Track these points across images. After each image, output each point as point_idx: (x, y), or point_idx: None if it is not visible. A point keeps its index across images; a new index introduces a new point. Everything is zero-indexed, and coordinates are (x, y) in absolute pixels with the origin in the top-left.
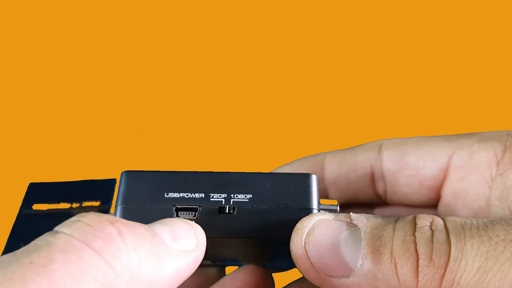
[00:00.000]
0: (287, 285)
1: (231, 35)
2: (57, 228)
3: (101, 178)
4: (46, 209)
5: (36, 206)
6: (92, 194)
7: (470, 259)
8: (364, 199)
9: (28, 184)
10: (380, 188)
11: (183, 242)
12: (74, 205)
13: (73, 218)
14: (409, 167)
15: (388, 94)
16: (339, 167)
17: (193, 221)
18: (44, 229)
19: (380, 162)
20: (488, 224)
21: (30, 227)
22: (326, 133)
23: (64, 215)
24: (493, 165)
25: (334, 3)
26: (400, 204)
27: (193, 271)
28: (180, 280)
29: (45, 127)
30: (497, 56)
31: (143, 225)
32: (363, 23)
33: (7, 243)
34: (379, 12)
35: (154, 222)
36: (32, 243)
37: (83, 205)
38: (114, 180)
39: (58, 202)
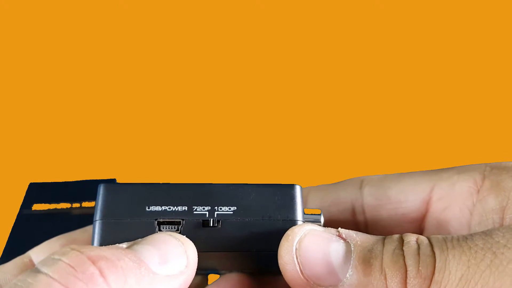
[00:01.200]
0: None
1: (219, 40)
2: (38, 266)
3: (101, 178)
4: (46, 209)
5: (36, 206)
6: (92, 194)
7: (453, 269)
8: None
9: (28, 184)
10: (361, 222)
11: (172, 264)
12: (74, 205)
13: (55, 256)
14: (391, 201)
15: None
16: (321, 201)
17: (182, 235)
18: (44, 229)
19: (360, 197)
20: (468, 236)
21: (30, 227)
22: (314, 144)
23: (64, 215)
24: (474, 193)
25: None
26: None
27: None
28: None
29: (45, 127)
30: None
31: (128, 253)
32: (338, 42)
33: (7, 243)
34: (355, 30)
35: (141, 240)
36: (13, 283)
37: (83, 205)
38: (114, 180)
39: (58, 202)
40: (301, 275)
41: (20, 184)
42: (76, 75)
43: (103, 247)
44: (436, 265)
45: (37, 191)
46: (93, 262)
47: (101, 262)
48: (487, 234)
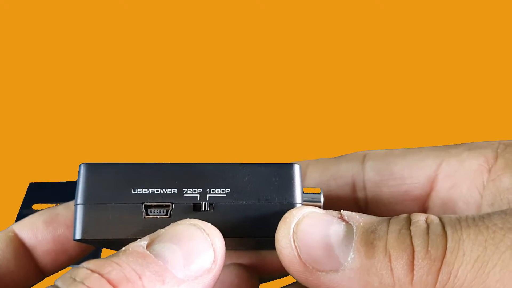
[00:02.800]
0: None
1: (212, 33)
2: (59, 285)
3: None
4: (46, 209)
5: (36, 206)
6: None
7: (467, 250)
8: (343, 208)
9: (28, 184)
10: (361, 198)
11: (198, 263)
12: None
13: (76, 277)
14: (394, 177)
15: (380, 101)
16: (320, 175)
17: (206, 222)
18: None
19: (362, 172)
20: (485, 215)
21: None
22: (315, 137)
23: None
24: (485, 172)
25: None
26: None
27: (212, 286)
28: None
29: (45, 127)
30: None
31: (151, 262)
32: (338, 38)
33: None
34: (354, 27)
35: (163, 236)
36: None
37: None
38: None
39: (58, 202)
40: (299, 260)
41: (20, 184)
42: (76, 75)
43: (122, 256)
44: (448, 245)
45: (37, 191)
46: (115, 287)
47: (122, 286)
48: (506, 213)
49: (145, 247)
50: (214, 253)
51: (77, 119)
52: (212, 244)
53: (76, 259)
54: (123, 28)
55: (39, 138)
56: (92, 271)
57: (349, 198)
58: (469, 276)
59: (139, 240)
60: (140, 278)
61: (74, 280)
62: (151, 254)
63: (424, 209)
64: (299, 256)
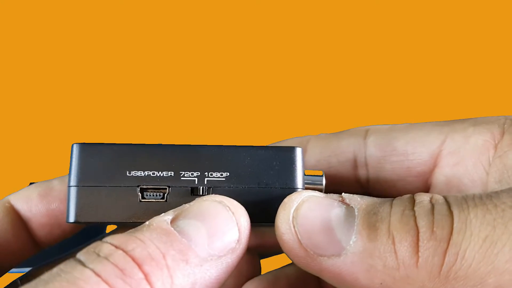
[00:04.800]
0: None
1: (202, 22)
2: (81, 259)
3: None
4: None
5: None
6: None
7: (475, 229)
8: (344, 187)
9: (28, 184)
10: (362, 175)
11: (222, 242)
12: None
13: (100, 253)
14: (396, 152)
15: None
16: (321, 151)
17: (232, 199)
18: None
19: (364, 147)
20: (492, 194)
21: None
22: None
23: None
24: (491, 148)
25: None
26: (383, 194)
27: (235, 266)
28: (224, 280)
29: (45, 127)
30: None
31: (174, 240)
32: (348, 26)
33: None
34: (365, 15)
35: (188, 212)
36: (55, 272)
37: None
38: None
39: None
40: (299, 245)
41: (20, 184)
42: (76, 75)
43: (146, 232)
44: (455, 225)
45: None
46: (139, 266)
47: (147, 265)
48: None
49: (169, 222)
50: (239, 232)
51: (77, 119)
52: (237, 222)
53: (72, 233)
54: (114, 23)
55: (39, 138)
56: (116, 247)
57: (350, 174)
58: (477, 257)
59: (163, 214)
60: (164, 257)
61: (98, 255)
62: (175, 231)
63: (427, 186)
64: (299, 241)
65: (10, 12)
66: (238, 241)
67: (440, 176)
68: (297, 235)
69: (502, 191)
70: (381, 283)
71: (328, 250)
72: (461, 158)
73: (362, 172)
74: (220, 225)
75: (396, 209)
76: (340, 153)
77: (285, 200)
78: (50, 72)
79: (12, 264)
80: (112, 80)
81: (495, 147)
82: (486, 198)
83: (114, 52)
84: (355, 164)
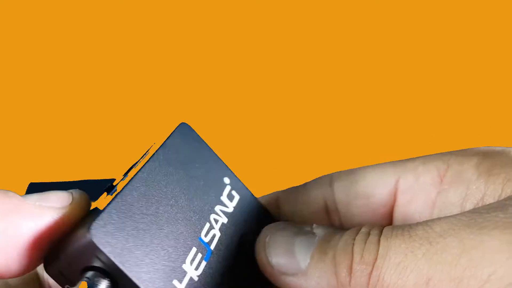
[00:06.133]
0: None
1: (198, 21)
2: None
3: (101, 178)
4: None
5: None
6: (92, 194)
7: (392, 256)
8: None
9: (28, 184)
10: (335, 220)
11: (50, 198)
12: None
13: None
14: (359, 196)
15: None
16: (292, 205)
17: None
18: None
19: (332, 194)
20: (413, 225)
21: None
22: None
23: None
24: (437, 185)
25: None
26: None
27: (60, 230)
28: (44, 238)
29: (45, 127)
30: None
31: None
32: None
33: None
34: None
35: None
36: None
37: None
38: (113, 181)
39: None
40: (269, 265)
41: (20, 184)
42: (76, 75)
43: None
44: (379, 252)
45: (37, 191)
46: None
47: None
48: (427, 224)
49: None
50: (72, 197)
51: (77, 119)
52: (72, 193)
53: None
54: (114, 23)
55: (39, 138)
56: None
57: (325, 221)
58: (393, 279)
59: None
60: None
61: None
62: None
63: (391, 223)
64: (268, 261)
65: (10, 12)
66: (69, 203)
67: (397, 215)
68: (266, 256)
69: (419, 223)
70: None
71: (289, 269)
72: (413, 196)
73: (334, 218)
74: (54, 192)
75: (343, 238)
76: (311, 204)
77: (263, 229)
78: (50, 72)
79: None
80: (112, 80)
81: (440, 184)
82: (406, 230)
83: (114, 52)
84: (327, 210)
